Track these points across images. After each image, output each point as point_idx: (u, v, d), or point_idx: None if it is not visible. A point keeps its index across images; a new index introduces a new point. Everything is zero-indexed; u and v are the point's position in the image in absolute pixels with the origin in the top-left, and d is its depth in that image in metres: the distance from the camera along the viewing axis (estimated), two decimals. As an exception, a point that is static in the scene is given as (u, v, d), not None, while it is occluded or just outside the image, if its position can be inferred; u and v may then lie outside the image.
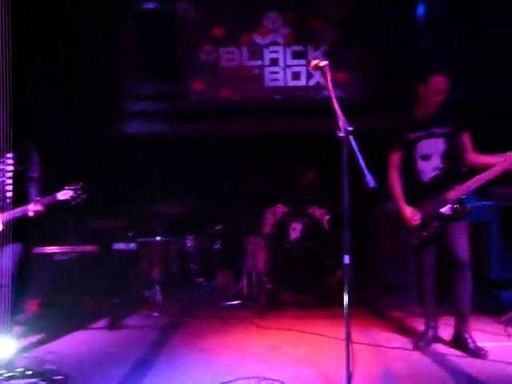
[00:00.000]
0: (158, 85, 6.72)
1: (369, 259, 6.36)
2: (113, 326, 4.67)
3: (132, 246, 5.86)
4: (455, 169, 3.71)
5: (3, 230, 3.41)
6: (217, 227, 5.97)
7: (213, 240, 6.00)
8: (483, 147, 3.92)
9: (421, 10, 6.70)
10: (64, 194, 3.55)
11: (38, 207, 3.50)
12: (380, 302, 5.46)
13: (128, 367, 3.50)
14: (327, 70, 2.75)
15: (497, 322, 4.39)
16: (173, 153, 6.51)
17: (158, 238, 5.69)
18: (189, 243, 6.05)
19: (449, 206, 3.62)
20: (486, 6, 6.09)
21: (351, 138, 2.53)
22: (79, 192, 3.58)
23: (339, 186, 6.07)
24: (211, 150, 6.52)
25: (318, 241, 5.46)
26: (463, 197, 3.67)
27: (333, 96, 2.67)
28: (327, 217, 5.73)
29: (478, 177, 3.53)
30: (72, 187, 3.58)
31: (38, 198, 3.54)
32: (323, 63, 2.75)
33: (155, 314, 5.00)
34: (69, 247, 5.51)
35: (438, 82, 3.67)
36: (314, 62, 2.81)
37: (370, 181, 2.49)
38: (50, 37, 5.94)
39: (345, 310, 2.59)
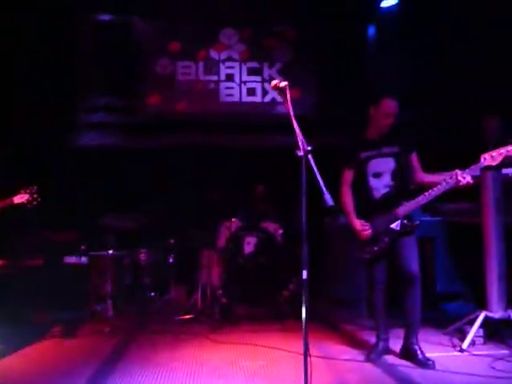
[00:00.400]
0: (114, 97, 6.66)
1: (320, 273, 6.48)
2: (63, 341, 4.56)
3: (83, 259, 5.75)
4: (404, 186, 3.88)
5: None
6: (171, 241, 5.93)
7: (166, 254, 5.95)
8: (435, 164, 4.14)
9: (372, 30, 6.95)
10: (20, 198, 3.60)
11: None
12: (331, 315, 5.56)
13: (81, 384, 3.45)
14: (287, 90, 2.82)
15: (443, 334, 4.59)
16: (128, 165, 6.45)
17: (110, 252, 5.60)
18: (142, 257, 5.97)
19: (398, 221, 3.77)
20: (438, 24, 6.34)
21: (310, 157, 2.60)
22: (35, 195, 3.60)
23: (292, 201, 6.19)
24: (166, 164, 6.50)
25: (272, 255, 5.51)
26: (412, 213, 3.83)
27: (292, 116, 2.74)
28: (280, 231, 5.82)
29: (425, 194, 3.70)
30: (28, 190, 3.59)
31: None
32: (283, 84, 2.82)
33: (106, 329, 4.91)
34: (13, 261, 5.37)
35: (389, 105, 3.84)
36: (274, 83, 2.88)
37: (329, 200, 2.58)
38: (4, 47, 5.82)
39: (303, 324, 2.64)
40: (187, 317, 5.34)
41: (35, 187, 3.68)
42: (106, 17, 6.65)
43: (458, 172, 3.60)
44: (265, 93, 7.00)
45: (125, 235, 5.91)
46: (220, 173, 6.34)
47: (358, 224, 3.85)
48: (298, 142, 2.64)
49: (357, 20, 6.88)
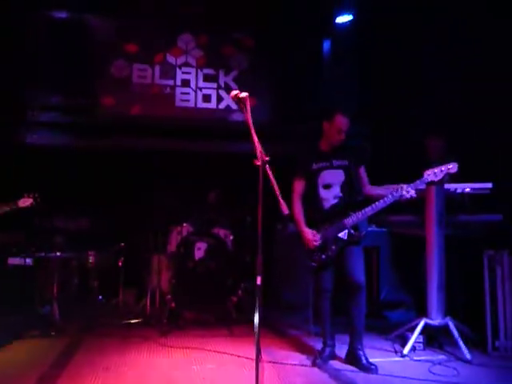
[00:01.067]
0: (67, 97, 6.54)
1: (270, 279, 6.58)
2: (8, 345, 4.45)
3: (28, 261, 5.60)
4: (353, 198, 4.04)
5: None
6: (121, 244, 5.88)
7: (116, 257, 5.90)
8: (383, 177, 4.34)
9: (326, 44, 7.15)
10: (24, 202, 3.69)
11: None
12: (279, 321, 5.66)
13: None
14: (247, 101, 2.90)
15: (386, 340, 4.78)
16: (78, 166, 6.35)
17: (57, 254, 5.50)
18: (90, 259, 5.89)
19: (346, 231, 3.92)
20: (391, 40, 6.59)
21: (267, 167, 2.68)
22: (37, 200, 3.70)
23: (243, 207, 6.26)
24: (118, 166, 6.44)
25: (222, 261, 5.56)
26: (359, 223, 3.99)
27: (251, 126, 2.82)
28: (231, 237, 5.89)
29: (372, 205, 3.88)
30: (31, 195, 3.69)
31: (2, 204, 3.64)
32: (243, 95, 2.90)
33: (52, 333, 4.83)
34: None
35: (341, 122, 3.99)
36: (234, 93, 2.95)
37: (285, 208, 2.67)
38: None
39: (255, 329, 2.72)
40: (135, 320, 5.32)
41: (36, 192, 3.86)
42: (61, 14, 6.52)
43: (404, 186, 3.80)
44: (220, 100, 7.05)
45: (74, 237, 5.82)
46: (172, 177, 6.33)
47: (308, 233, 3.98)
48: (256, 152, 2.71)
49: (313, 34, 7.06)
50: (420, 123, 6.00)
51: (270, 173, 2.66)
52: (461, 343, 4.22)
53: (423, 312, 4.52)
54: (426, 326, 4.43)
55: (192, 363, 4.05)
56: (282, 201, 2.64)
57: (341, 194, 4.03)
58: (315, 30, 7.02)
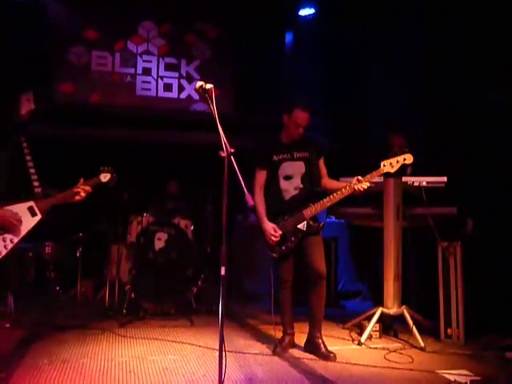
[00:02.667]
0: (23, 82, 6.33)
1: (230, 269, 6.61)
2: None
3: (-18, 251, 5.44)
4: (312, 189, 4.10)
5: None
6: (79, 234, 5.78)
7: (74, 248, 5.80)
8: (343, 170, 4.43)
9: (289, 37, 7.19)
10: (105, 177, 3.69)
11: (88, 189, 3.59)
12: (240, 310, 5.72)
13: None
14: (212, 92, 2.89)
15: (343, 328, 4.90)
16: (37, 154, 6.17)
17: (13, 244, 5.36)
18: (47, 250, 5.77)
19: (305, 222, 3.99)
20: (353, 35, 6.69)
21: (232, 158, 2.70)
22: (114, 175, 3.69)
23: (204, 198, 6.22)
24: (76, 155, 6.31)
25: (182, 251, 5.55)
26: (318, 214, 4.07)
27: (216, 117, 2.83)
28: (192, 227, 5.88)
29: (330, 197, 3.96)
30: (109, 170, 3.71)
31: (85, 181, 3.61)
32: (208, 86, 2.89)
33: (7, 325, 4.71)
34: None
35: (301, 117, 4.02)
36: (199, 84, 2.93)
37: (250, 199, 2.70)
38: None
39: (219, 319, 2.75)
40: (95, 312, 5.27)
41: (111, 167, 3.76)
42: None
43: (359, 178, 3.89)
44: (181, 89, 7.00)
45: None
46: (133, 167, 6.25)
47: (270, 228, 4.01)
48: (221, 143, 2.72)
49: (275, 25, 7.08)
50: (380, 118, 6.13)
51: (234, 164, 2.68)
52: (415, 331, 4.38)
53: (379, 301, 4.66)
54: (382, 314, 4.56)
55: (153, 354, 4.04)
56: (247, 192, 2.66)
57: (301, 186, 4.08)
58: (278, 21, 7.05)
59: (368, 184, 3.93)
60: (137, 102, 6.77)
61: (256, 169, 4.18)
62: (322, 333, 4.16)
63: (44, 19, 6.41)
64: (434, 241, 4.54)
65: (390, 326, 4.73)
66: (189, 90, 6.96)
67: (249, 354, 4.09)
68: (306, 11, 6.97)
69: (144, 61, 6.87)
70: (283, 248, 4.02)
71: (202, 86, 2.89)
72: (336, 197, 3.96)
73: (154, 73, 6.88)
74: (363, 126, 6.37)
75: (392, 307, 4.57)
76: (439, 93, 5.32)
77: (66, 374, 3.52)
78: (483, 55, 4.86)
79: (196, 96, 6.89)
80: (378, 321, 4.57)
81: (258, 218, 4.10)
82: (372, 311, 4.62)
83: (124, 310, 5.21)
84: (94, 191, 5.76)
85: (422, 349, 4.25)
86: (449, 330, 4.50)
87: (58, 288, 5.85)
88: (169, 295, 5.42)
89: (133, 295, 5.32)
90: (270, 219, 4.06)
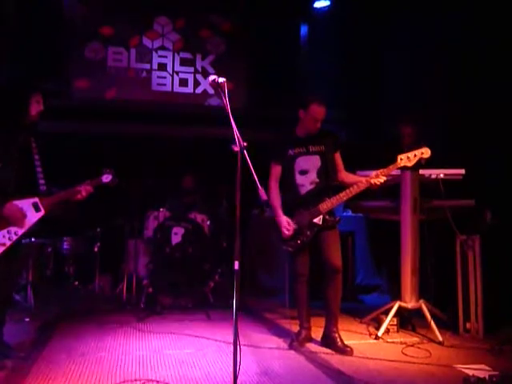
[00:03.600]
0: (40, 79, 6.40)
1: (246, 264, 6.63)
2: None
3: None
4: (328, 183, 4.07)
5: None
6: (96, 230, 5.83)
7: (92, 243, 5.85)
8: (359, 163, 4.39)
9: (304, 29, 7.14)
10: (106, 178, 3.80)
11: (89, 189, 3.70)
12: (256, 305, 5.72)
13: (3, 374, 3.36)
14: (225, 86, 2.89)
15: (360, 323, 4.88)
16: (53, 151, 6.22)
17: (32, 239, 5.43)
18: (65, 245, 5.83)
19: (321, 216, 3.96)
20: (370, 27, 6.63)
21: (245, 153, 2.69)
22: (115, 176, 3.81)
23: (219, 192, 6.22)
24: (93, 151, 6.35)
25: (199, 246, 5.57)
26: (334, 208, 4.04)
27: (229, 111, 2.82)
28: (208, 222, 5.89)
29: (347, 191, 3.94)
30: (111, 171, 3.80)
31: (89, 181, 3.73)
32: (221, 80, 2.89)
33: (26, 319, 4.78)
34: None
35: (317, 111, 3.98)
36: (212, 78, 2.94)
37: (263, 194, 2.69)
38: None
39: (234, 313, 2.75)
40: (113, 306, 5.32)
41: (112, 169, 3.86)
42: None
43: (377, 172, 3.85)
44: (197, 84, 6.99)
45: (48, 223, 5.73)
46: (149, 162, 6.28)
47: (284, 221, 3.99)
48: (234, 138, 2.71)
49: (290, 18, 7.03)
50: (398, 109, 6.06)
51: (248, 159, 2.67)
52: (433, 325, 4.33)
53: (397, 295, 4.62)
54: (399, 308, 4.52)
55: (169, 348, 4.06)
56: (260, 187, 2.65)
57: (317, 180, 4.05)
58: (293, 14, 7.00)
59: (385, 178, 3.90)
60: (152, 97, 6.77)
61: (271, 163, 4.16)
62: (340, 327, 4.15)
63: (61, 16, 6.45)
64: (452, 234, 4.49)
65: (408, 321, 4.69)
66: (204, 85, 6.95)
67: (265, 348, 4.09)
68: (321, 3, 6.91)
69: (159, 56, 6.87)
70: (298, 242, 4.00)
71: (214, 80, 2.88)
72: (352, 191, 3.93)
73: (169, 68, 6.88)
74: (380, 118, 6.30)
75: (410, 301, 4.52)
76: (459, 84, 5.23)
77: (84, 367, 3.56)
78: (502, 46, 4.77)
79: (211, 91, 6.89)
80: (396, 315, 4.53)
81: (273, 212, 4.08)
82: (389, 305, 4.58)
83: (142, 305, 5.25)
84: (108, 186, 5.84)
85: (440, 343, 4.20)
86: (467, 325, 4.45)
87: (76, 282, 5.92)
88: (186, 290, 5.46)
89: (150, 289, 5.36)
90: (287, 214, 4.04)
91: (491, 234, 4.47)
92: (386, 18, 6.48)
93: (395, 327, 4.55)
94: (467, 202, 4.52)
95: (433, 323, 4.35)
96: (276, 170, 4.15)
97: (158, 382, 3.29)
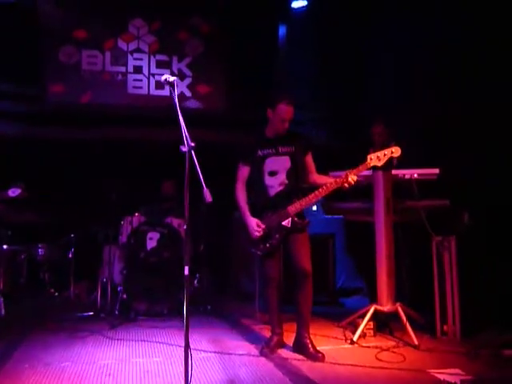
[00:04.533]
0: (14, 84, 6.32)
1: (228, 268, 6.54)
2: None
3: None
4: (298, 185, 3.97)
5: None
6: (71, 235, 5.73)
7: (66, 249, 5.75)
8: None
9: (282, 30, 7.06)
10: (13, 192, 3.65)
11: None
12: (235, 310, 5.62)
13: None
14: (175, 85, 2.83)
15: (338, 327, 4.77)
16: (25, 157, 6.15)
17: (4, 247, 5.33)
18: (40, 252, 5.73)
19: (289, 218, 3.86)
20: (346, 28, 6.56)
21: (193, 153, 2.61)
22: (24, 191, 3.79)
23: (196, 197, 6.14)
24: (67, 156, 6.26)
25: (175, 250, 5.47)
26: (303, 211, 3.94)
27: (178, 110, 2.75)
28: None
29: (315, 192, 3.83)
30: (19, 186, 3.57)
31: None
32: (172, 78, 2.83)
33: (-3, 328, 4.69)
34: None
35: (285, 110, 3.88)
36: (164, 77, 2.89)
37: (208, 196, 2.61)
38: None
39: (184, 321, 2.65)
40: (86, 314, 5.20)
41: (23, 183, 3.85)
42: (8, -1, 6.28)
43: (345, 173, 3.76)
44: (173, 87, 6.89)
45: (22, 230, 5.65)
46: (125, 167, 6.19)
47: (252, 223, 3.91)
48: (183, 138, 2.63)
49: (268, 18, 6.95)
50: (377, 111, 5.98)
51: (195, 159, 2.59)
52: (409, 329, 4.23)
53: (375, 298, 4.52)
54: (376, 312, 4.42)
55: (137, 356, 3.96)
56: (205, 188, 2.57)
57: (287, 181, 3.96)
58: (271, 14, 6.91)
59: (355, 178, 3.81)
60: (129, 100, 6.67)
61: (239, 164, 4.08)
62: (316, 331, 4.08)
63: (34, 20, 6.36)
64: (428, 235, 4.39)
65: (386, 324, 4.59)
66: (181, 88, 6.86)
67: (235, 354, 3.98)
68: (298, 3, 6.83)
69: (135, 59, 6.78)
70: (267, 245, 3.91)
71: (166, 79, 2.83)
72: (322, 192, 3.84)
73: (145, 70, 6.79)
74: (362, 119, 6.21)
75: (386, 304, 4.43)
76: (436, 83, 5.16)
77: (45, 377, 3.45)
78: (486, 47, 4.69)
79: (189, 93, 6.81)
80: (373, 319, 4.44)
81: (240, 214, 3.99)
82: (366, 309, 4.48)
83: (116, 312, 5.15)
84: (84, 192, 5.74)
85: (415, 347, 4.10)
86: (445, 327, 4.36)
87: (52, 290, 5.81)
88: (161, 295, 5.34)
89: (125, 296, 5.26)
90: (255, 215, 3.95)
91: (467, 234, 4.37)
92: (367, 17, 6.40)
93: (372, 331, 4.46)
94: (442, 203, 4.43)
95: (408, 326, 4.24)
96: (243, 172, 4.06)
97: (116, 391, 3.18)
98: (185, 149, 2.58)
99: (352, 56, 6.55)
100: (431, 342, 4.27)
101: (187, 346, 2.59)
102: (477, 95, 4.70)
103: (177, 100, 2.75)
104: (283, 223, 3.87)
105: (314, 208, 6.02)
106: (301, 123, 6.73)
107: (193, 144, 2.59)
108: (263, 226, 3.88)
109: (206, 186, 5.75)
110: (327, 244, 6.01)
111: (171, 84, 2.79)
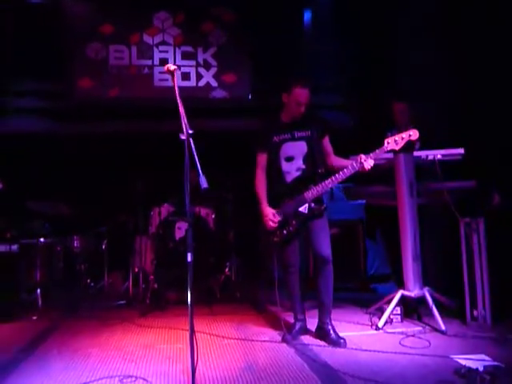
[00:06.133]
0: (43, 81, 6.52)
1: (257, 256, 6.54)
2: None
3: (14, 247, 5.63)
4: (314, 170, 3.91)
5: None
6: (102, 227, 5.89)
7: (100, 240, 5.91)
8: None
9: (308, 15, 6.95)
10: None
11: None
12: (265, 297, 5.63)
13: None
14: (175, 74, 2.85)
15: (365, 313, 4.70)
16: (57, 151, 6.35)
17: (41, 239, 5.52)
18: (75, 244, 5.91)
19: (306, 204, 3.82)
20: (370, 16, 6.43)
21: (191, 140, 2.62)
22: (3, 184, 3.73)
23: (223, 185, 6.17)
24: (97, 150, 6.41)
25: (203, 239, 5.52)
26: (320, 196, 3.89)
27: (179, 99, 2.77)
28: (213, 216, 5.83)
29: (332, 178, 3.77)
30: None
31: None
32: (173, 67, 2.86)
33: (34, 318, 4.87)
34: None
35: (300, 94, 3.83)
36: (166, 66, 2.92)
37: (203, 182, 2.62)
38: None
39: (189, 307, 2.69)
40: (119, 302, 5.35)
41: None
42: (34, -1, 6.48)
43: (362, 156, 3.69)
44: (199, 77, 6.92)
45: (57, 222, 5.84)
46: (154, 159, 6.28)
47: (269, 213, 3.89)
48: (181, 126, 2.65)
49: (293, 4, 6.86)
50: (401, 93, 5.83)
51: (192, 146, 2.60)
52: (436, 314, 4.13)
53: (402, 283, 4.43)
54: (403, 297, 4.34)
55: (162, 343, 4.04)
56: (201, 174, 2.58)
57: (303, 166, 3.92)
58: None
59: (373, 162, 3.72)
60: (155, 93, 6.74)
61: (256, 151, 4.07)
62: (343, 317, 4.03)
63: (61, 18, 6.52)
64: (454, 218, 4.26)
65: (415, 310, 4.49)
66: (207, 78, 6.88)
67: (257, 341, 4.00)
68: (322, -14, 6.73)
69: (160, 51, 6.84)
70: (284, 232, 3.89)
71: (168, 68, 2.86)
72: (338, 177, 3.77)
73: (171, 63, 6.79)
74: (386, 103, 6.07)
75: (413, 289, 4.33)
76: (462, 63, 4.97)
77: (72, 362, 3.58)
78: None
79: (215, 83, 6.83)
80: (401, 304, 4.36)
81: (257, 201, 3.98)
82: (393, 294, 4.40)
83: (147, 300, 5.26)
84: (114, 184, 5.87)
85: (442, 332, 4.00)
86: (475, 312, 4.22)
87: (88, 280, 5.98)
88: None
89: (156, 285, 5.37)
90: (273, 202, 3.94)
91: (496, 215, 4.21)
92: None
93: (399, 317, 4.37)
94: (468, 184, 4.27)
95: (435, 311, 4.14)
96: (261, 159, 4.05)
97: (135, 377, 3.26)
98: (184, 137, 2.59)
99: (377, 38, 6.40)
100: (460, 327, 4.17)
101: (192, 332, 2.61)
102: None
103: (177, 88, 2.75)
104: (300, 209, 3.84)
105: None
106: (326, 107, 6.65)
107: (191, 131, 2.60)
108: (279, 218, 3.86)
109: (234, 175, 5.80)
110: (357, 230, 5.93)
111: (171, 73, 2.81)
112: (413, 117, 4.51)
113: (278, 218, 3.86)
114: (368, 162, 3.66)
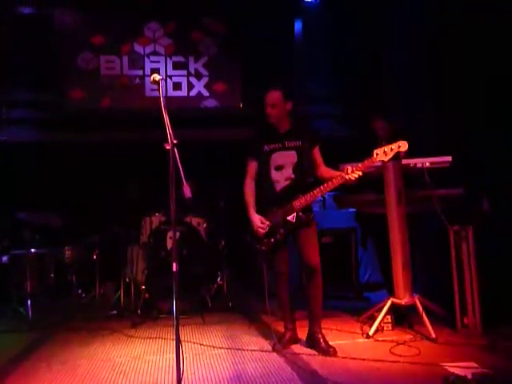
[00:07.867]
0: (35, 92, 6.53)
1: (254, 264, 6.53)
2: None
3: (4, 258, 5.62)
4: (304, 179, 3.93)
5: None
6: (94, 237, 5.86)
7: (91, 250, 5.88)
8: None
9: (298, 26, 6.99)
10: None
11: None
12: (258, 306, 5.61)
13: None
14: (161, 84, 2.87)
15: (357, 321, 4.70)
16: (48, 162, 6.34)
17: (32, 250, 5.51)
18: (67, 254, 5.88)
19: (294, 213, 3.83)
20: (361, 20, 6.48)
21: (176, 150, 2.63)
22: None
23: (216, 194, 6.16)
24: (89, 160, 6.40)
25: (195, 249, 5.51)
26: (309, 205, 3.90)
27: (164, 108, 2.78)
28: (205, 225, 5.83)
29: (320, 187, 3.79)
30: None
31: None
32: (158, 78, 2.88)
33: (25, 328, 4.85)
34: None
35: (269, 96, 3.95)
36: (153, 76, 2.96)
37: (187, 191, 2.63)
38: None
39: (174, 319, 2.68)
40: (110, 313, 5.31)
41: None
42: (26, 10, 6.48)
43: (349, 168, 3.71)
44: (191, 87, 6.93)
45: (48, 233, 5.82)
46: (145, 168, 6.27)
47: (257, 220, 3.90)
48: (167, 135, 2.66)
49: (283, 14, 6.89)
50: (393, 103, 5.87)
51: (177, 156, 2.61)
52: (426, 321, 4.13)
53: (392, 291, 4.43)
54: (393, 305, 4.34)
55: (152, 354, 4.02)
56: (185, 183, 2.59)
57: (293, 176, 3.93)
58: (286, 9, 6.86)
59: (360, 173, 3.74)
60: (147, 103, 6.74)
61: (247, 159, 4.10)
62: (335, 326, 4.02)
63: (53, 29, 6.55)
64: (443, 226, 4.26)
65: (405, 317, 4.49)
66: (198, 88, 6.90)
67: (247, 350, 3.99)
68: (312, -4, 6.77)
69: (152, 61, 6.86)
70: (272, 240, 3.89)
71: (153, 78, 2.88)
72: (327, 187, 3.79)
73: (162, 72, 6.84)
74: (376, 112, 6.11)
75: (403, 297, 4.33)
76: (450, 69, 5.00)
77: (60, 374, 3.57)
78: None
79: (206, 93, 6.85)
80: (392, 312, 4.36)
81: (246, 210, 3.99)
82: (383, 302, 4.40)
83: (139, 311, 5.23)
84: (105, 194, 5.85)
85: (433, 340, 4.00)
86: (465, 320, 4.22)
87: (79, 291, 5.95)
88: (183, 293, 5.37)
89: (147, 295, 5.34)
90: (261, 210, 3.95)
91: (486, 222, 4.23)
92: (378, 9, 6.28)
93: (390, 325, 4.37)
94: (456, 191, 4.29)
95: (426, 319, 4.14)
96: (252, 167, 4.07)
97: (124, 388, 3.25)
98: (168, 146, 2.60)
99: (366, 47, 6.45)
100: (451, 334, 4.17)
101: (178, 342, 2.60)
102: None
103: (163, 98, 2.77)
104: (288, 218, 3.84)
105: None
106: (318, 117, 6.69)
107: (175, 141, 2.61)
108: (267, 223, 3.87)
109: (225, 184, 5.78)
110: (350, 238, 5.93)
111: (157, 83, 2.83)
112: (396, 130, 4.51)
113: (266, 223, 3.86)
114: (354, 174, 3.67)
